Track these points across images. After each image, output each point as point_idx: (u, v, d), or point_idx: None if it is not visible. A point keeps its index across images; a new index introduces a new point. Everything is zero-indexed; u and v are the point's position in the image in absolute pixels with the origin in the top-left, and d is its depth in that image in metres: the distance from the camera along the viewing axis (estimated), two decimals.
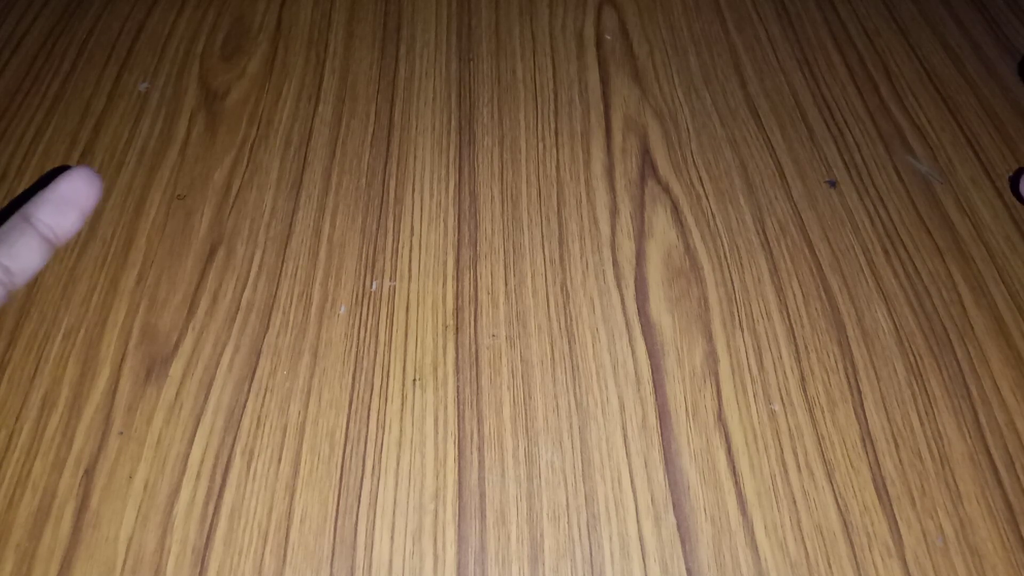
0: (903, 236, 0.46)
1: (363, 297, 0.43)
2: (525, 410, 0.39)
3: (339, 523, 0.35)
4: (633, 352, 0.41)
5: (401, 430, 0.38)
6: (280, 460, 0.37)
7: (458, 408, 0.39)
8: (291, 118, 0.52)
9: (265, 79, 0.54)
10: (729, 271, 0.45)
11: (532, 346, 0.41)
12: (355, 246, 0.45)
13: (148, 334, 0.41)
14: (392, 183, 0.48)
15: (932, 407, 0.40)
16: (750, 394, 0.40)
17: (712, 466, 0.37)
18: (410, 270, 0.44)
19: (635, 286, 0.44)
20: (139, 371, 0.40)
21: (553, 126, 0.52)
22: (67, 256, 0.44)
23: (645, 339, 0.42)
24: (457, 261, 0.45)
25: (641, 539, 0.35)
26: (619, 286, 0.44)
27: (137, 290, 0.43)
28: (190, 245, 0.45)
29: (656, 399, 0.39)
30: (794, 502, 0.36)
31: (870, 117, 0.53)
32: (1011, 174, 0.49)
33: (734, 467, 0.37)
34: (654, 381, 0.40)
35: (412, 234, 0.46)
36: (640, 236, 0.46)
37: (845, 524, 0.36)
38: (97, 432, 0.38)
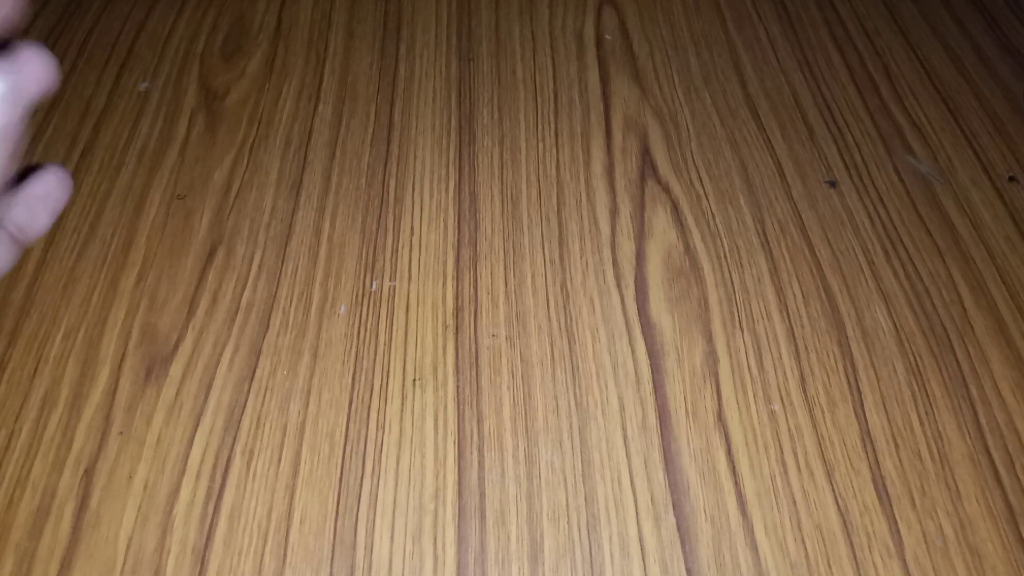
0: (903, 236, 0.46)
1: (363, 297, 0.43)
2: (525, 410, 0.39)
3: (339, 523, 0.35)
4: (633, 352, 0.41)
5: (401, 430, 0.38)
6: (280, 460, 0.37)
7: (458, 408, 0.39)
8: (291, 118, 0.52)
9: (265, 79, 0.54)
10: (729, 271, 0.45)
11: (532, 346, 0.41)
12: (355, 246, 0.45)
13: (148, 334, 0.41)
14: (392, 183, 0.48)
15: (932, 407, 0.40)
16: (750, 394, 0.40)
17: (712, 466, 0.37)
18: (410, 270, 0.44)
19: (635, 286, 0.44)
20: (139, 371, 0.40)
21: (553, 126, 0.52)
22: (67, 256, 0.44)
23: (645, 339, 0.42)
24: (457, 261, 0.45)
25: (641, 539, 0.35)
26: (619, 286, 0.44)
27: (137, 290, 0.43)
28: (190, 245, 0.45)
29: (656, 399, 0.39)
30: (794, 502, 0.36)
31: (870, 117, 0.53)
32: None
33: (734, 467, 0.37)
34: (654, 381, 0.40)
35: (412, 234, 0.46)
36: (640, 236, 0.46)
37: (845, 524, 0.36)
38: (97, 432, 0.38)
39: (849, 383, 0.40)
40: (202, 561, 0.34)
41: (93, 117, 0.52)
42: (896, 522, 0.36)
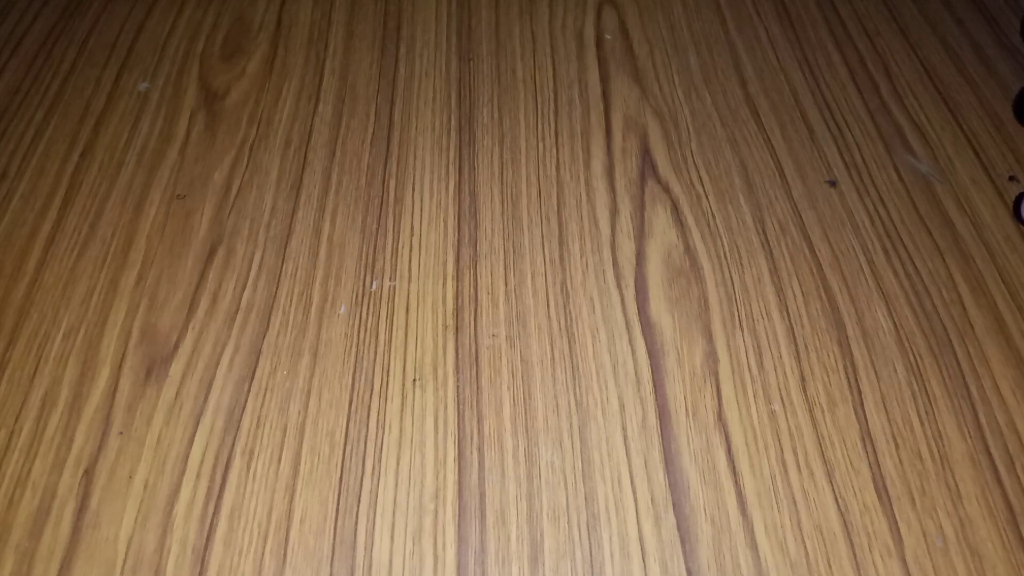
0: (903, 236, 0.46)
1: (363, 297, 0.43)
2: (525, 410, 0.39)
3: (339, 523, 0.35)
4: (633, 352, 0.41)
5: (401, 430, 0.38)
6: (280, 460, 0.37)
7: (458, 408, 0.39)
8: (291, 118, 0.52)
9: (265, 79, 0.54)
10: (729, 271, 0.45)
11: (532, 346, 0.41)
12: (355, 246, 0.45)
13: (148, 334, 0.41)
14: (392, 183, 0.48)
15: (932, 407, 0.40)
16: (750, 394, 0.40)
17: (712, 466, 0.37)
18: (410, 270, 0.44)
19: (635, 286, 0.44)
20: (139, 371, 0.40)
21: (553, 126, 0.52)
22: (67, 256, 0.44)
23: (645, 339, 0.42)
24: (457, 261, 0.45)
25: (641, 539, 0.35)
26: (619, 286, 0.44)
27: (137, 290, 0.43)
28: (190, 245, 0.45)
29: (656, 399, 0.39)
30: (794, 502, 0.36)
31: (870, 117, 0.53)
32: (1015, 199, 0.48)
33: (734, 467, 0.37)
34: (654, 381, 0.40)
35: (412, 234, 0.46)
36: (640, 236, 0.46)
37: (845, 524, 0.36)
38: (97, 432, 0.38)
39: (849, 383, 0.40)
40: (202, 561, 0.34)
41: (93, 117, 0.52)
42: (896, 522, 0.36)
